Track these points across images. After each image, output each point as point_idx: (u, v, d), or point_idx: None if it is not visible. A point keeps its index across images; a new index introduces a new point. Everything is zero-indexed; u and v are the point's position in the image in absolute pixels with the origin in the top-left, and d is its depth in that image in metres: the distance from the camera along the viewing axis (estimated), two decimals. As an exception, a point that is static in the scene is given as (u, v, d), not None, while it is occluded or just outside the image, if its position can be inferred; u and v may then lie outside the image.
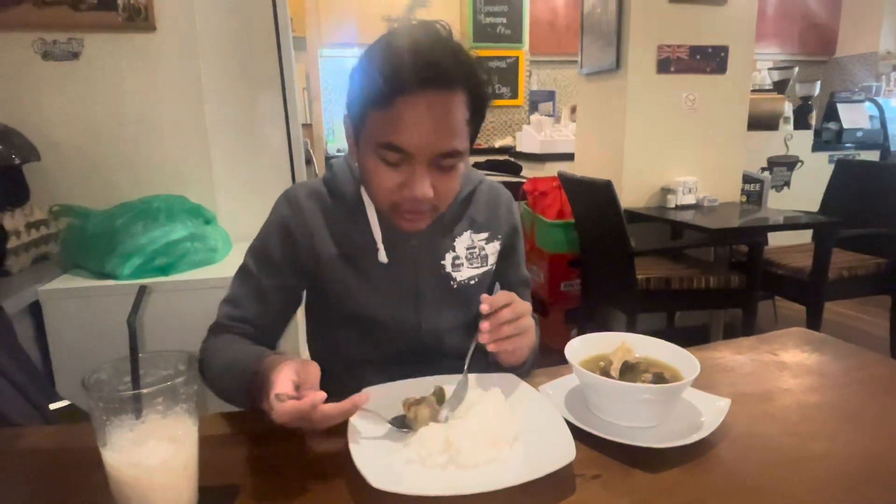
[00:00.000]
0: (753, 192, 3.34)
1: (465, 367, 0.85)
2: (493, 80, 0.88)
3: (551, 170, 3.69)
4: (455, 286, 1.00)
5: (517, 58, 5.76)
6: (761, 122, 3.69)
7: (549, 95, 5.78)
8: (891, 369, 0.97)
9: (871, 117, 4.42)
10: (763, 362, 1.00)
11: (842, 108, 4.39)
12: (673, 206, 2.96)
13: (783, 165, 3.94)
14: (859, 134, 4.32)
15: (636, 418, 0.76)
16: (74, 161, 1.91)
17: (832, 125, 4.38)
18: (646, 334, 0.86)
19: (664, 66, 2.90)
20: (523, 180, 3.57)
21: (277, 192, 1.00)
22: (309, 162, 4.15)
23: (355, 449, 0.68)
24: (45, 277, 1.63)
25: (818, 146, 4.06)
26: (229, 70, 2.07)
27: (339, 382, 0.76)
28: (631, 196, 3.01)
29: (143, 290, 0.63)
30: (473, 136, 0.88)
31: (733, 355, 1.03)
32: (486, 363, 0.89)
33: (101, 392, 0.56)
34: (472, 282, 1.01)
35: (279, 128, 2.15)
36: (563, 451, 0.67)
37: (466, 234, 1.01)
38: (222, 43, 2.04)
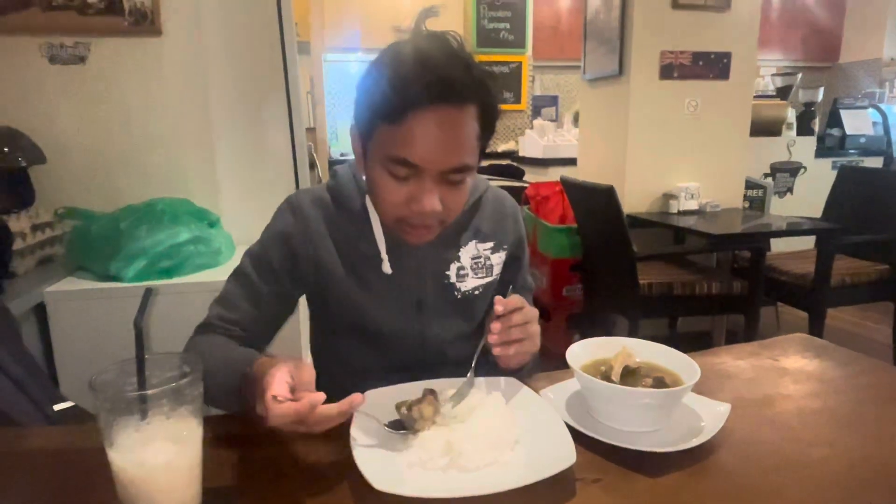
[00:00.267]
0: (756, 197, 3.34)
1: (472, 365, 0.86)
2: (502, 92, 0.87)
3: (554, 174, 3.70)
4: (459, 296, 0.99)
5: (520, 63, 5.77)
6: (764, 128, 3.69)
7: (552, 100, 5.81)
8: (891, 376, 0.97)
9: (875, 124, 4.42)
10: (764, 368, 1.00)
11: (845, 115, 4.39)
12: (675, 211, 2.96)
13: (786, 171, 3.94)
14: (862, 140, 4.31)
15: (636, 423, 0.76)
16: (80, 164, 1.93)
17: (835, 131, 4.38)
18: (648, 340, 0.87)
19: (667, 71, 2.91)
20: (526, 185, 3.58)
21: (281, 195, 1.00)
22: (312, 166, 4.16)
23: (357, 451, 0.68)
24: (50, 279, 1.64)
25: (821, 152, 4.06)
26: (234, 74, 2.08)
27: (341, 391, 0.75)
28: (633, 201, 3.02)
29: (149, 291, 0.64)
30: (483, 150, 0.87)
31: (734, 361, 1.03)
32: (487, 365, 0.90)
33: (107, 392, 0.57)
34: (477, 292, 1.01)
35: (283, 132, 2.17)
36: (563, 455, 0.67)
37: (472, 244, 1.00)
38: (227, 47, 2.05)
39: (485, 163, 4.90)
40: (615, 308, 2.79)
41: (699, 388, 0.79)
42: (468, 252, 1.00)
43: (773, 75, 4.59)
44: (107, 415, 0.56)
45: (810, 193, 3.78)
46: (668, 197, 3.00)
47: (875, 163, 4.25)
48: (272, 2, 2.06)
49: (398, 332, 0.97)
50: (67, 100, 1.90)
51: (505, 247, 1.04)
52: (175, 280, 1.67)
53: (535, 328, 0.87)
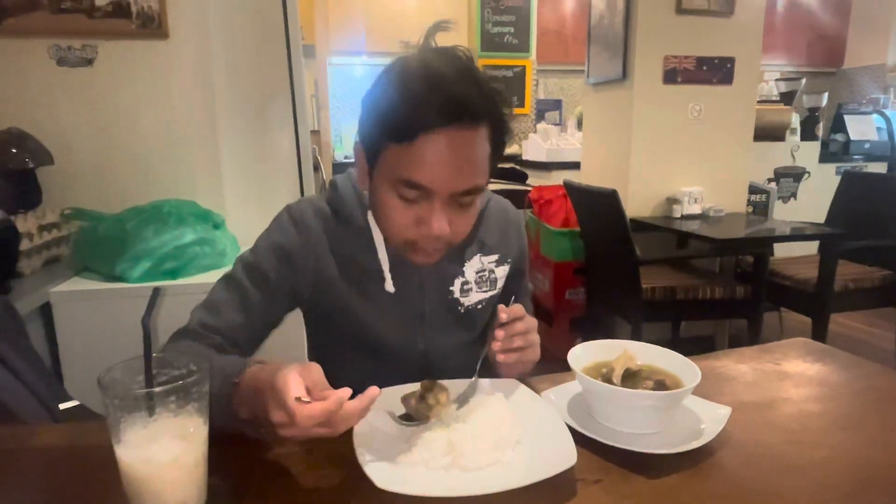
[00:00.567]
0: (760, 202, 3.34)
1: (477, 368, 0.87)
2: (512, 109, 0.84)
3: (557, 178, 3.71)
4: (462, 311, 0.98)
5: (524, 67, 5.79)
6: (768, 132, 3.69)
7: (556, 104, 5.82)
8: (892, 380, 0.97)
9: (879, 129, 4.41)
10: (765, 372, 1.00)
11: (849, 120, 4.39)
12: (679, 215, 2.96)
13: (790, 176, 3.94)
14: (867, 146, 4.31)
15: (637, 424, 0.77)
16: (87, 165, 1.94)
17: (839, 137, 4.37)
18: (650, 343, 0.87)
19: (671, 76, 2.91)
20: (529, 188, 3.59)
21: (285, 197, 1.00)
22: (316, 168, 4.18)
23: (361, 450, 0.69)
24: (56, 279, 1.65)
25: (825, 157, 4.06)
26: (240, 77, 2.10)
27: None
28: (636, 205, 3.02)
29: (157, 291, 0.64)
30: (493, 169, 0.84)
31: (735, 364, 1.03)
32: (488, 375, 0.90)
33: (115, 390, 0.57)
34: (480, 306, 1.00)
35: (288, 134, 2.18)
36: (564, 456, 0.68)
37: (476, 258, 0.98)
38: (234, 50, 2.07)
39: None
40: (618, 312, 2.80)
41: (700, 391, 0.79)
42: (473, 266, 0.98)
43: (777, 80, 4.59)
44: (115, 412, 0.57)
45: (814, 199, 3.78)
46: (672, 201, 3.01)
47: (879, 168, 4.25)
48: (278, 5, 2.08)
49: (400, 346, 0.96)
50: (75, 102, 1.91)
51: (509, 260, 1.02)
52: (180, 281, 1.68)
53: (537, 337, 0.87)
